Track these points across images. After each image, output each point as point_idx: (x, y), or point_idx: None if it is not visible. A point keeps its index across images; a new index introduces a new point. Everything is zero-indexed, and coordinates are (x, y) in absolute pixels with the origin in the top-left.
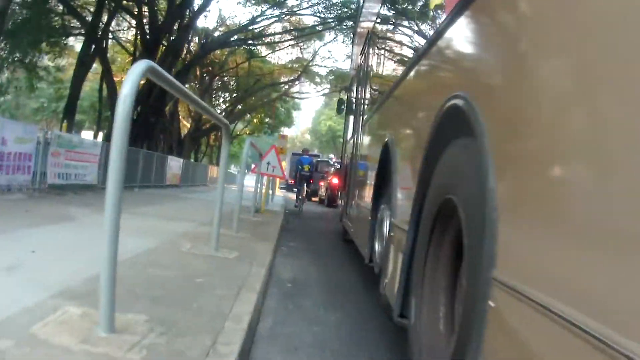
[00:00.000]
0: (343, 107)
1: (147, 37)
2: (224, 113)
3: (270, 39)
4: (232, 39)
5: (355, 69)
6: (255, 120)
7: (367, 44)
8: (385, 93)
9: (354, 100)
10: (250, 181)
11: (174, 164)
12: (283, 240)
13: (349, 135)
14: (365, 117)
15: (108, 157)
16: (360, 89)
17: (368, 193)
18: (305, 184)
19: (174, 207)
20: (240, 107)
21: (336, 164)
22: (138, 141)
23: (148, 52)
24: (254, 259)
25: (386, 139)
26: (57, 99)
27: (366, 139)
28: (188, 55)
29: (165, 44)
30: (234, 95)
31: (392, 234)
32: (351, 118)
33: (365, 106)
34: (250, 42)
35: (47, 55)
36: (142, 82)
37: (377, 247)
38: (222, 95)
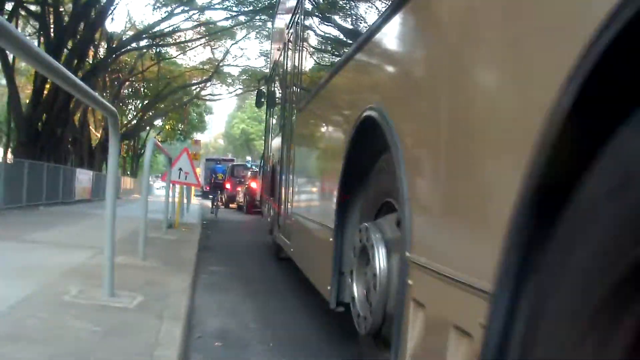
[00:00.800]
0: (263, 99)
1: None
2: (135, 121)
3: (178, 38)
4: (140, 41)
5: (280, 48)
6: (167, 127)
7: (298, 15)
8: (348, 49)
9: (279, 88)
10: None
11: (83, 177)
12: (203, 264)
13: (275, 129)
14: (303, 99)
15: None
16: (288, 70)
17: (323, 202)
18: (219, 191)
19: (76, 229)
20: (151, 113)
21: (254, 167)
22: (44, 155)
23: (51, 55)
24: (165, 305)
25: (365, 114)
26: None
27: (309, 127)
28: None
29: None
30: (145, 102)
31: (410, 281)
32: (276, 110)
33: (302, 86)
34: (158, 43)
35: None
36: (45, 90)
37: (355, 289)
38: (133, 103)
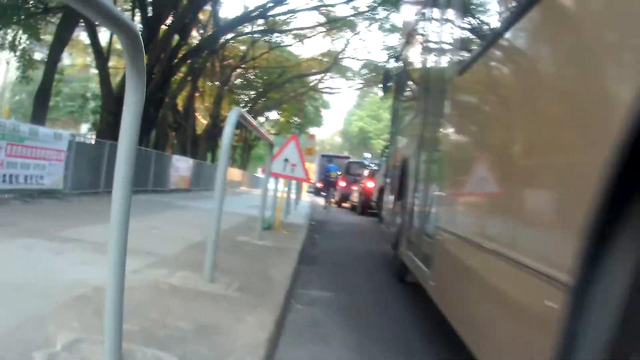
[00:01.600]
0: (391, 84)
1: (149, 13)
2: (246, 108)
3: (293, 23)
4: (251, 22)
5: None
6: (281, 119)
7: None
8: None
9: (413, 61)
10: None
11: (182, 165)
12: (300, 286)
13: (406, 116)
14: (473, 48)
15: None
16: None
17: (531, 221)
18: (332, 189)
19: (143, 224)
20: (262, 100)
21: (372, 165)
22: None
23: (148, 30)
24: None
25: None
26: (72, 97)
27: (485, 90)
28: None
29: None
30: (259, 91)
31: None
32: (407, 95)
33: (472, 28)
34: (272, 29)
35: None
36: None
37: None
38: (247, 94)
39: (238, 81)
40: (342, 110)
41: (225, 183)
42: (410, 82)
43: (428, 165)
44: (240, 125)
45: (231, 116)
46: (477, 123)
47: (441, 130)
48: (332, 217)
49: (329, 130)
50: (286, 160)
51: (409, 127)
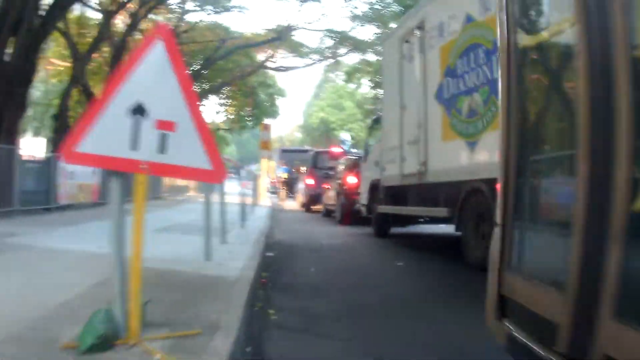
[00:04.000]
0: None
1: None
2: None
3: None
4: None
5: None
6: (230, 110)
7: None
8: None
9: None
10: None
11: (81, 168)
12: None
13: None
14: None
15: None
16: None
17: None
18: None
19: None
20: (201, 85)
21: (351, 152)
22: None
23: None
24: None
25: None
26: None
27: None
28: None
29: None
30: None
31: None
32: None
33: None
34: None
35: None
36: None
37: None
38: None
39: None
40: (300, 102)
41: None
42: None
43: None
44: None
45: None
46: None
47: None
48: (301, 231)
49: (288, 126)
50: (140, 110)
51: None
